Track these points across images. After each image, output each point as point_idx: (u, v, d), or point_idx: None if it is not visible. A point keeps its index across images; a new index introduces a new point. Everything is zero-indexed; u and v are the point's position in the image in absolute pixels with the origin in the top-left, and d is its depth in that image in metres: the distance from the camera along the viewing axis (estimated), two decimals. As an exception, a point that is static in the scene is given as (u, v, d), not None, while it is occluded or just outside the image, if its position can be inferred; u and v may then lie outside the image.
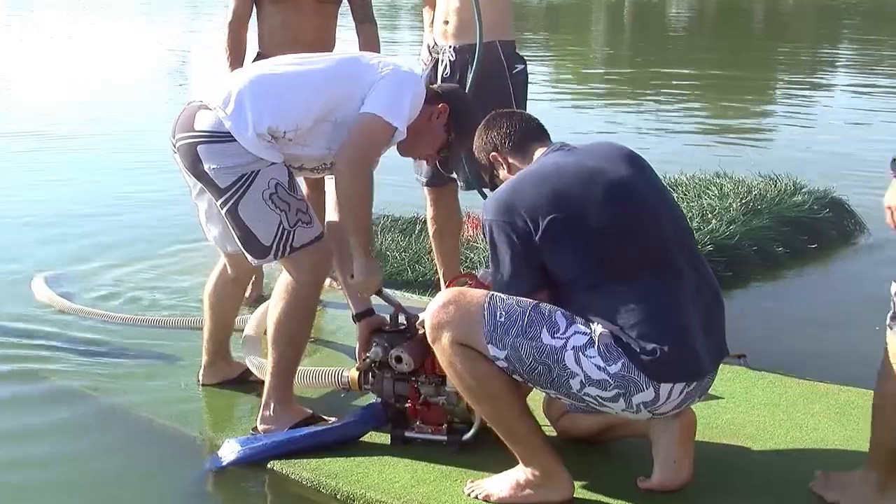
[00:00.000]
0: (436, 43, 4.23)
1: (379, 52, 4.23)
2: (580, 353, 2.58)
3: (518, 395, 2.71)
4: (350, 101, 3.11)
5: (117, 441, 3.40)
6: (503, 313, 2.62)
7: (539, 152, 2.87)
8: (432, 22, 4.31)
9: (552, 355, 2.59)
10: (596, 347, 2.57)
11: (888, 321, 2.58)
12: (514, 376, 2.66)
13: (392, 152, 3.32)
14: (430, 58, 4.27)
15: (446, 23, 4.16)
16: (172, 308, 4.61)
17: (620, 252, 2.62)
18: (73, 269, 5.19)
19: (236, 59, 4.24)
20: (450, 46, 4.14)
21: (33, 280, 4.86)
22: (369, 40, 4.42)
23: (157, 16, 24.10)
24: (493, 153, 2.94)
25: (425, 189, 4.38)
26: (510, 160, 2.91)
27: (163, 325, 4.36)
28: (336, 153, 3.11)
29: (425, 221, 5.79)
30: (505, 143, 2.92)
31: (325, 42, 4.27)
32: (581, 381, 2.59)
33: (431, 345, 2.74)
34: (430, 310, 2.71)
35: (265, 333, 3.41)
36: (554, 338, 2.59)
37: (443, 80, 4.09)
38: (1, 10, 22.13)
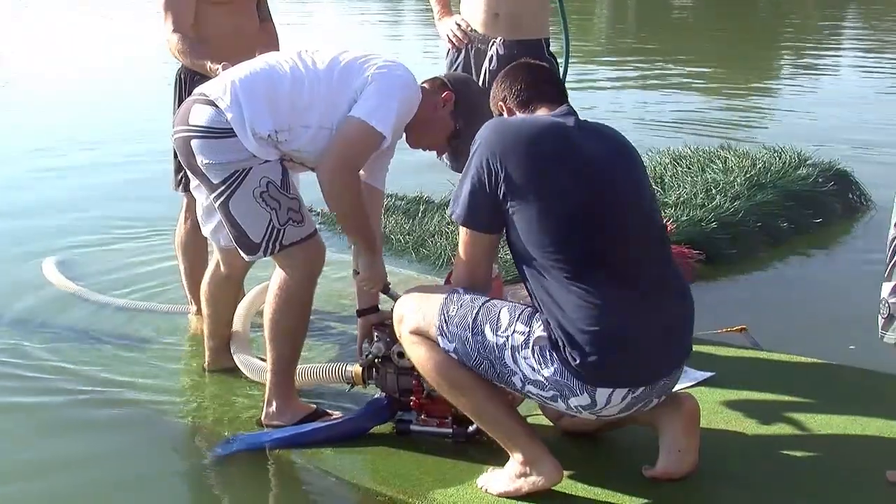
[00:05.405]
0: (473, 29, 3.92)
1: (278, 47, 3.97)
2: (516, 353, 2.61)
3: (481, 381, 2.71)
4: (341, 109, 3.07)
5: (119, 428, 3.40)
6: (456, 308, 2.68)
7: (541, 111, 2.83)
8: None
9: (493, 352, 2.63)
10: (530, 349, 2.59)
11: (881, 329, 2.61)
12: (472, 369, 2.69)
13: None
14: (462, 39, 3.93)
15: (496, 15, 3.87)
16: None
17: (575, 239, 2.59)
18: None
19: (205, 54, 3.63)
20: (500, 40, 3.87)
21: (44, 262, 4.88)
22: (272, 37, 4.07)
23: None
24: (501, 103, 2.92)
25: None
26: (516, 113, 2.87)
27: (168, 311, 4.37)
28: (320, 159, 3.08)
29: (429, 201, 5.84)
30: (514, 96, 2.88)
31: (256, 45, 3.81)
32: (521, 378, 2.63)
33: (398, 336, 2.82)
34: (397, 303, 2.82)
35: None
36: (496, 335, 2.63)
37: (488, 73, 3.85)
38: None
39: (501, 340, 2.62)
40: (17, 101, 10.32)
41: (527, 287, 2.69)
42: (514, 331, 2.61)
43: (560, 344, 2.55)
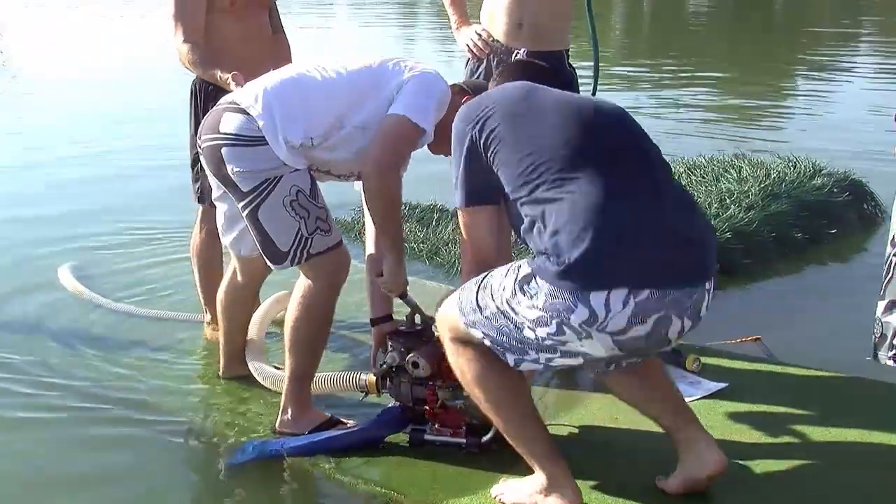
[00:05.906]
0: (495, 39, 3.88)
1: (290, 57, 3.99)
2: (512, 302, 2.59)
3: (520, 397, 2.73)
4: (377, 107, 3.10)
5: (132, 436, 3.41)
6: (466, 297, 2.70)
7: None
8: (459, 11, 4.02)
9: (500, 316, 2.61)
10: (521, 292, 2.56)
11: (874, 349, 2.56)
12: (506, 355, 2.64)
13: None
14: (483, 49, 3.88)
15: (520, 24, 3.82)
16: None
17: (558, 147, 2.58)
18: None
19: (215, 64, 3.63)
20: (523, 51, 3.80)
21: (59, 270, 4.88)
22: (284, 47, 4.08)
23: None
24: None
25: None
26: None
27: (182, 319, 4.37)
28: (360, 158, 3.11)
29: (443, 209, 5.85)
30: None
31: (267, 54, 3.87)
32: (529, 327, 2.57)
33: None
34: (437, 317, 2.84)
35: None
36: (493, 299, 2.63)
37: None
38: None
39: (499, 300, 2.61)
40: (18, 101, 10.42)
41: (526, 243, 2.66)
42: (503, 286, 2.61)
43: (546, 262, 2.50)
